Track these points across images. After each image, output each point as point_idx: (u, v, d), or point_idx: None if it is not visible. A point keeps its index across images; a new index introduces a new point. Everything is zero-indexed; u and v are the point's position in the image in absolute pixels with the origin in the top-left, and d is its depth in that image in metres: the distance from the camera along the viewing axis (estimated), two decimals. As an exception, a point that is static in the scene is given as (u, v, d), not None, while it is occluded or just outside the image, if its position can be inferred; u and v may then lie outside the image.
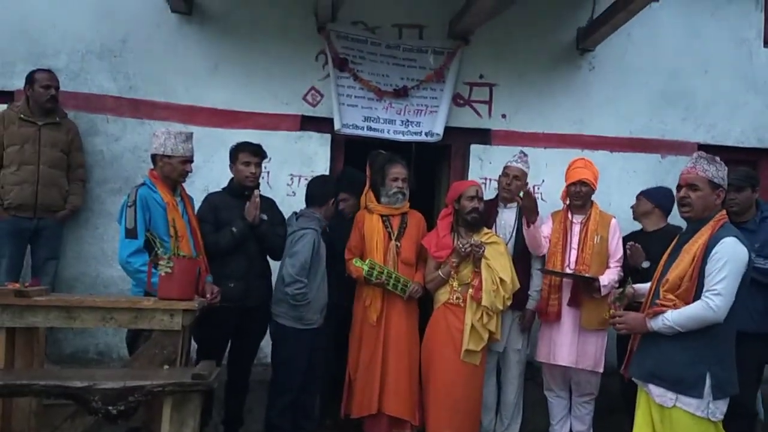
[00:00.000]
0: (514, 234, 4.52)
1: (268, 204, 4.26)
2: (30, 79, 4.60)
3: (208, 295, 3.66)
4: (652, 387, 3.07)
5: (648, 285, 3.33)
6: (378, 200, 4.50)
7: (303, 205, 4.43)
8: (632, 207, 4.61)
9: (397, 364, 4.33)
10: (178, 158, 3.79)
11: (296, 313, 4.08)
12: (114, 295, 4.51)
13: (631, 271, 4.19)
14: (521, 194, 4.31)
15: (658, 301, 3.06)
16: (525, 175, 4.59)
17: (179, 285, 3.25)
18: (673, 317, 2.97)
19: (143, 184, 3.78)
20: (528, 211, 4.26)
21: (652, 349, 3.10)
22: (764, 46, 5.67)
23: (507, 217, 4.59)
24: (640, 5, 4.60)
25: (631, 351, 3.28)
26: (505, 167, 4.61)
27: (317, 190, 4.35)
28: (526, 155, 4.69)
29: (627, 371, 3.29)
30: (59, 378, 2.75)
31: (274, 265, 4.30)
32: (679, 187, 3.18)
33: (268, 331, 4.30)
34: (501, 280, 4.19)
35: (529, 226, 4.31)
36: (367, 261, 4.26)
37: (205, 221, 4.03)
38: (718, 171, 3.09)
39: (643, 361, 3.15)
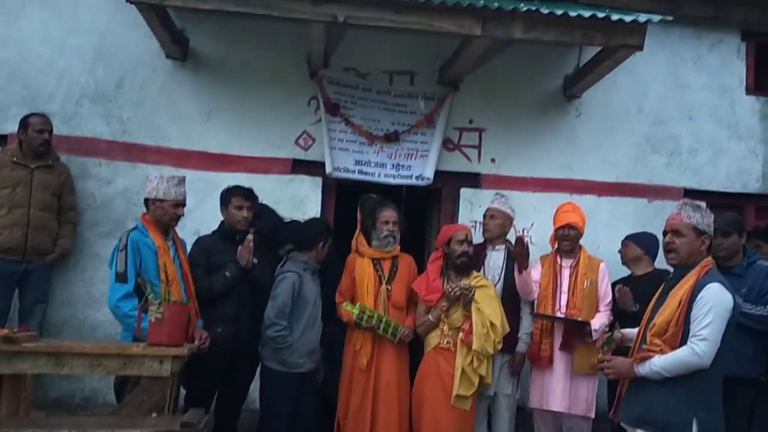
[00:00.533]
0: (502, 276, 4.54)
1: (259, 247, 4.27)
2: (24, 123, 4.64)
3: (196, 341, 3.64)
4: None
5: (635, 330, 3.35)
6: (369, 244, 4.52)
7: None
8: (620, 252, 4.65)
9: (388, 409, 4.28)
10: (170, 202, 3.81)
11: (279, 357, 4.07)
12: (102, 340, 4.47)
13: (620, 315, 4.21)
14: (513, 240, 4.34)
15: (644, 346, 3.08)
16: (504, 214, 4.63)
17: (169, 331, 3.24)
18: (659, 362, 2.99)
19: (135, 228, 3.78)
20: (520, 257, 4.29)
21: (640, 393, 3.11)
22: (746, 94, 5.81)
23: (495, 258, 4.62)
24: (625, 55, 4.72)
25: (620, 395, 3.28)
26: (486, 209, 4.69)
27: (305, 234, 4.36)
28: (503, 196, 4.75)
29: (616, 416, 3.29)
30: (47, 427, 2.71)
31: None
32: (664, 233, 3.23)
33: (258, 375, 4.27)
34: (491, 323, 4.20)
35: (521, 272, 4.33)
36: (357, 305, 4.26)
37: (197, 265, 4.02)
38: (703, 218, 3.14)
39: (631, 405, 3.15)
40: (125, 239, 3.68)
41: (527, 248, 4.29)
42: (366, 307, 4.26)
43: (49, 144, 4.69)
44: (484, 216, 4.68)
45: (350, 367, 4.39)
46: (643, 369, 3.04)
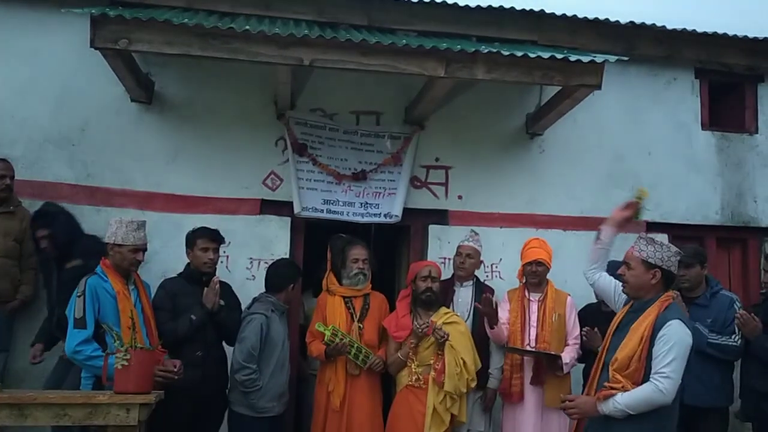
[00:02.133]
0: (471, 312, 4.57)
1: (225, 289, 4.24)
2: None
3: (173, 369, 3.58)
4: None
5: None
6: (340, 282, 4.52)
7: (262, 289, 4.43)
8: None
9: (361, 449, 4.25)
10: (129, 247, 3.77)
11: (248, 401, 4.01)
12: (66, 390, 4.34)
13: (588, 352, 4.24)
14: (479, 301, 4.37)
15: (606, 384, 3.11)
16: (478, 252, 4.71)
17: (136, 378, 3.17)
18: (623, 400, 3.01)
19: (94, 273, 3.73)
20: (488, 316, 4.33)
21: (603, 428, 3.13)
22: (702, 129, 6.00)
23: (464, 295, 4.66)
24: (584, 93, 4.86)
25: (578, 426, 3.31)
26: (458, 246, 4.74)
27: (275, 275, 4.38)
28: (477, 234, 4.82)
29: None
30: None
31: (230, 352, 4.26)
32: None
33: (226, 420, 4.19)
34: (464, 361, 4.20)
35: (492, 328, 4.37)
36: (330, 326, 4.23)
37: (161, 308, 3.98)
38: (655, 252, 3.20)
39: None
40: (83, 285, 3.65)
41: (496, 306, 4.33)
42: (338, 330, 4.24)
43: (10, 189, 4.62)
44: (460, 254, 4.70)
45: (324, 408, 4.34)
46: (607, 407, 3.06)
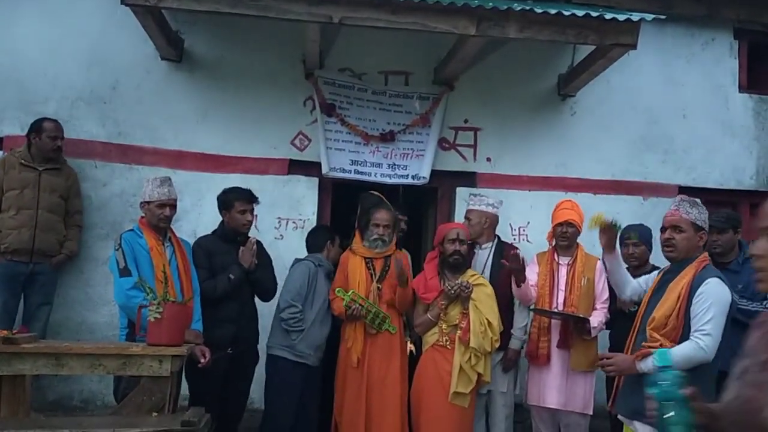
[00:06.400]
0: (488, 274, 4.55)
1: (258, 247, 4.30)
2: (38, 128, 4.64)
3: (202, 360, 3.61)
4: (637, 424, 3.09)
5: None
6: (363, 242, 4.54)
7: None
8: (629, 251, 4.45)
9: (382, 406, 4.30)
10: (155, 203, 3.85)
11: (290, 342, 4.14)
12: (101, 341, 4.47)
13: (617, 314, 4.22)
14: (508, 258, 4.29)
15: (644, 344, 3.11)
16: (480, 213, 4.61)
17: (168, 330, 3.25)
18: None
19: (130, 229, 3.86)
20: (515, 272, 4.29)
21: (637, 386, 3.13)
22: (739, 92, 5.84)
23: (481, 257, 4.65)
24: (618, 53, 4.74)
25: (617, 388, 3.31)
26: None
27: (311, 236, 4.61)
28: (477, 195, 4.80)
29: (613, 408, 3.32)
30: (48, 427, 2.72)
31: (262, 310, 4.35)
32: (663, 229, 3.27)
33: (257, 379, 4.32)
34: (488, 321, 4.21)
35: (519, 286, 4.34)
36: (350, 291, 4.29)
37: (200, 267, 4.06)
38: (700, 214, 3.20)
39: (628, 398, 3.18)
40: (119, 239, 3.78)
41: (523, 262, 4.29)
42: (358, 295, 4.29)
43: (60, 150, 4.72)
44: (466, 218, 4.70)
45: (344, 365, 4.41)
46: (646, 365, 3.06)
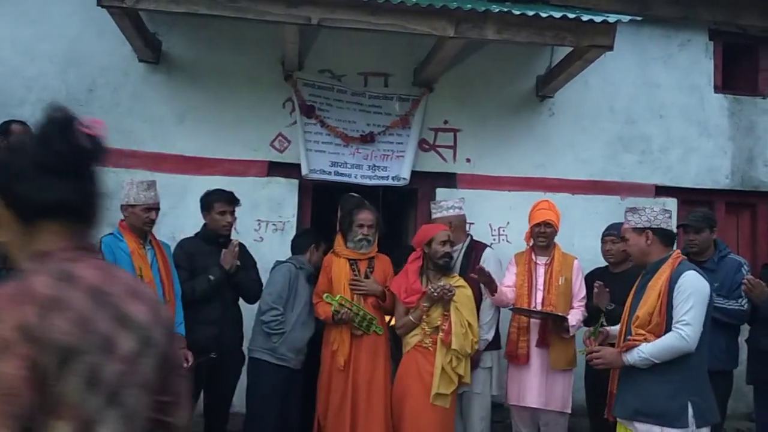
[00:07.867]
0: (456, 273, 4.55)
1: (241, 249, 4.29)
2: (5, 130, 4.54)
3: (184, 364, 3.60)
4: (637, 425, 3.16)
5: (618, 327, 3.47)
6: (346, 244, 4.53)
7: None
8: (610, 249, 4.49)
9: (367, 409, 4.29)
10: (140, 206, 3.82)
11: (270, 345, 4.13)
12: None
13: (594, 312, 4.25)
14: (476, 273, 4.26)
15: (630, 337, 3.20)
16: (443, 218, 4.55)
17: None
18: (647, 349, 3.10)
19: (110, 233, 3.79)
20: (486, 284, 4.30)
21: (633, 387, 3.20)
22: (715, 92, 5.92)
23: None
24: (595, 54, 4.78)
25: (612, 394, 3.37)
26: None
27: (296, 239, 4.63)
28: (439, 201, 4.76)
29: (611, 413, 3.37)
30: None
31: (246, 313, 4.34)
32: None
33: (239, 382, 4.30)
34: (469, 323, 4.23)
35: (493, 295, 4.36)
36: (338, 296, 4.28)
37: (180, 268, 4.04)
38: (640, 216, 3.33)
39: (625, 400, 3.24)
40: (98, 244, 3.68)
41: (489, 275, 4.26)
42: (346, 299, 4.28)
43: None
44: None
45: (328, 368, 4.39)
46: (632, 357, 3.14)
